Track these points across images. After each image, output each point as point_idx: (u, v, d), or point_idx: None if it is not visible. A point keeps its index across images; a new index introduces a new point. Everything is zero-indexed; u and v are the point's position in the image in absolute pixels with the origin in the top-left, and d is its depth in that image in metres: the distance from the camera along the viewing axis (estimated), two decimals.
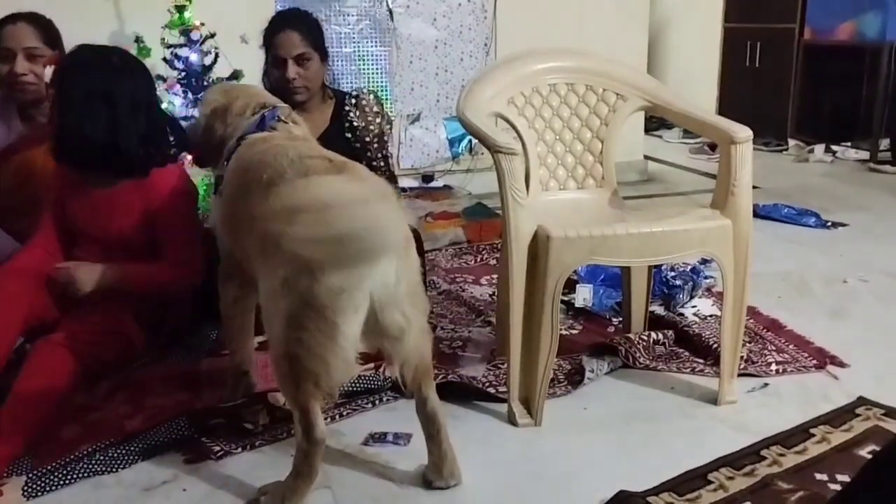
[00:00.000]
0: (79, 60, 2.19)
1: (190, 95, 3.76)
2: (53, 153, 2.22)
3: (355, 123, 2.66)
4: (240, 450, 1.92)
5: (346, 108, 2.68)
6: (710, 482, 1.76)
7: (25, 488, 1.75)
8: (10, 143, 2.55)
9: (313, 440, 1.62)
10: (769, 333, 2.53)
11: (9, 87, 2.52)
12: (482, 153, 4.15)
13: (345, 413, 2.07)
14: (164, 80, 3.77)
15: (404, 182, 4.14)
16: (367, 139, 2.63)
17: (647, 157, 5.14)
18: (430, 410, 1.76)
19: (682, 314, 2.65)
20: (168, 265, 2.24)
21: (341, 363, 1.56)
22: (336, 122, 2.68)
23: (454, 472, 1.78)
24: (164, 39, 3.75)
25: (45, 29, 2.61)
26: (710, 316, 2.62)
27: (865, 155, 5.35)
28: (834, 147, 5.57)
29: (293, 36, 2.61)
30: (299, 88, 2.59)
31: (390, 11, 4.36)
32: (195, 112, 3.76)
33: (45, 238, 2.29)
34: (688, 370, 2.30)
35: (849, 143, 5.56)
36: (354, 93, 2.74)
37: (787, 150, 5.77)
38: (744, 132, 2.07)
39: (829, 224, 3.79)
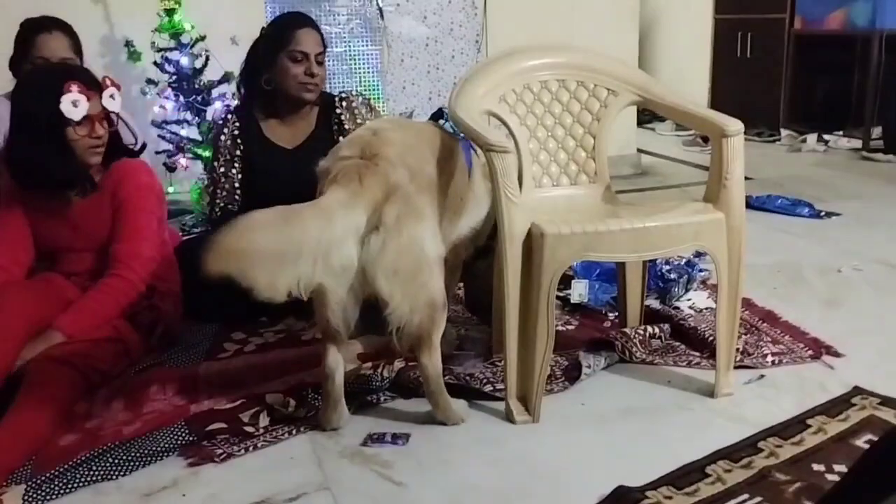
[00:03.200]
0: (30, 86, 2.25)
1: (181, 99, 3.75)
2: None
3: (346, 126, 2.65)
4: (242, 451, 1.92)
5: (338, 110, 2.68)
6: (708, 475, 1.77)
7: (25, 497, 1.74)
8: None
9: (322, 373, 1.96)
10: (764, 325, 2.53)
11: None
12: (475, 151, 4.15)
13: None
14: (156, 83, 3.76)
15: None
16: None
17: (640, 151, 5.15)
18: (423, 375, 1.98)
19: (677, 308, 2.65)
20: (112, 276, 2.25)
21: (338, 312, 1.87)
22: (323, 125, 2.68)
23: (449, 417, 2.00)
24: (154, 43, 3.75)
25: (74, 38, 2.75)
26: (706, 309, 2.63)
27: (858, 143, 5.37)
28: (826, 136, 5.58)
29: (315, 34, 2.62)
30: (316, 87, 2.60)
31: (380, 10, 4.36)
32: (187, 115, 3.77)
33: (2, 256, 2.26)
34: (684, 363, 2.31)
35: (841, 132, 5.57)
36: (343, 94, 2.74)
37: (779, 140, 5.78)
38: (735, 125, 2.08)
39: (823, 213, 3.80)
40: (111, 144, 2.31)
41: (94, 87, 2.22)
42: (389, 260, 1.82)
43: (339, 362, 1.96)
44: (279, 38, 2.60)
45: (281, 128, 2.69)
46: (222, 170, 2.68)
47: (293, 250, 1.69)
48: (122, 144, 2.40)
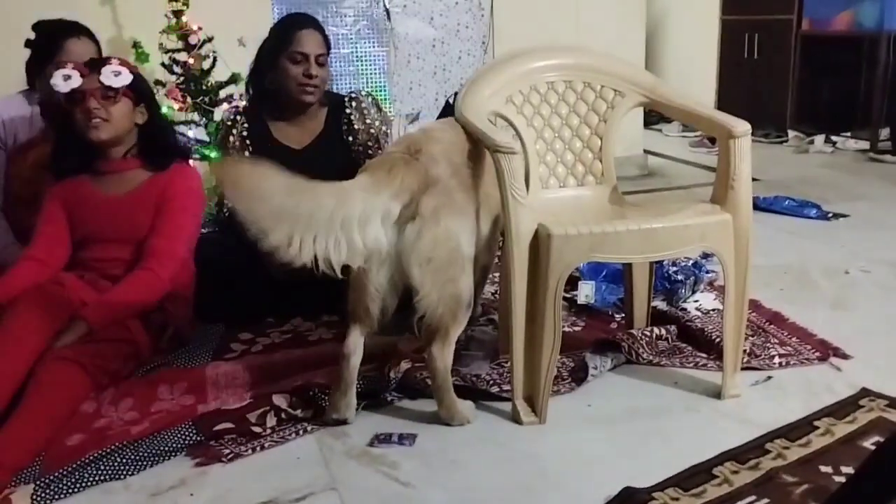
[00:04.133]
0: None
1: (189, 100, 3.76)
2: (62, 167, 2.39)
3: (355, 126, 2.66)
4: (249, 452, 1.93)
5: (347, 110, 2.69)
6: (715, 476, 1.77)
7: (34, 496, 1.75)
8: (31, 137, 2.73)
9: (341, 352, 1.99)
10: (772, 326, 2.53)
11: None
12: None
13: None
14: (163, 84, 3.77)
15: None
16: (370, 142, 2.64)
17: (647, 152, 5.14)
18: (431, 367, 1.98)
19: (684, 309, 2.65)
20: (142, 269, 2.29)
21: (376, 299, 1.95)
22: (332, 126, 2.69)
23: (454, 416, 2.01)
24: (162, 44, 3.75)
25: (97, 44, 2.82)
26: (713, 310, 2.63)
27: (865, 145, 5.35)
28: (834, 137, 5.57)
29: (317, 35, 2.63)
30: (315, 89, 2.60)
31: (387, 11, 4.36)
32: (195, 116, 3.78)
33: (41, 250, 2.33)
34: (691, 365, 2.31)
35: (848, 134, 5.55)
36: (353, 94, 2.74)
37: (786, 141, 5.77)
38: (742, 126, 2.07)
39: (830, 215, 3.79)
40: (155, 139, 2.40)
41: (93, 65, 2.32)
42: (424, 248, 1.90)
43: (359, 345, 2.00)
44: (281, 40, 2.62)
45: (289, 128, 2.70)
46: None
47: (304, 216, 1.75)
48: (172, 143, 2.51)
